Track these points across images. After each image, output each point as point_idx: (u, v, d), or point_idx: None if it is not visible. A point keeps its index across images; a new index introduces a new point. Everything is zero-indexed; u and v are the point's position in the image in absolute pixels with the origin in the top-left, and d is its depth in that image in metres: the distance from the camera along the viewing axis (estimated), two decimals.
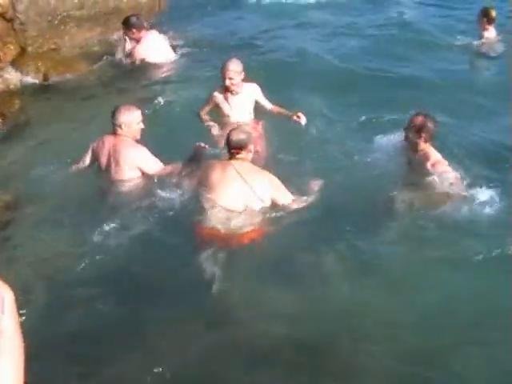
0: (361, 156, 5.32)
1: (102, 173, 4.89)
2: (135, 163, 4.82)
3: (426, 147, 4.82)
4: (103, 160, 4.87)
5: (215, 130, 5.69)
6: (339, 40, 8.87)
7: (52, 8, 7.62)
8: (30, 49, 7.56)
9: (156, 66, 7.64)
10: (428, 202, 4.68)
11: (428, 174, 4.69)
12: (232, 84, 5.61)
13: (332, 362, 3.40)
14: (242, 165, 4.47)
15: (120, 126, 4.78)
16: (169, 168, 4.85)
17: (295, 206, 4.52)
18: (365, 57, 8.20)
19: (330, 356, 3.44)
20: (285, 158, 5.33)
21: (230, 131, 4.58)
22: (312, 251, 4.25)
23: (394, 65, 7.89)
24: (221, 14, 10.17)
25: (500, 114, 6.31)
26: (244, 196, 4.38)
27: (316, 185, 4.75)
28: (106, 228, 4.36)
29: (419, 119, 4.79)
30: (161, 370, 3.30)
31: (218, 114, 5.86)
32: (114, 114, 4.80)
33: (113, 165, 4.80)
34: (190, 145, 5.01)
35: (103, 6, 8.13)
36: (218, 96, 5.78)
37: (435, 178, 4.64)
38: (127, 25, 7.47)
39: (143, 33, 7.52)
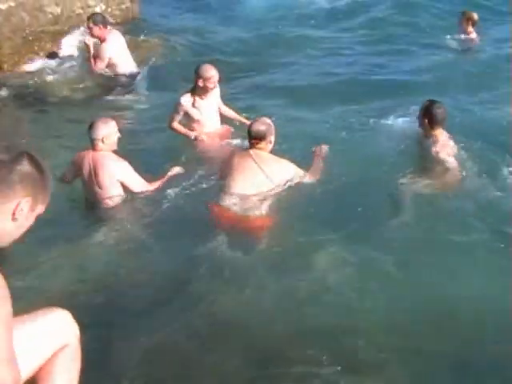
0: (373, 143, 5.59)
1: (86, 187, 4.89)
2: (117, 178, 4.77)
3: (438, 133, 4.94)
4: (85, 176, 4.83)
5: (198, 135, 5.68)
6: (326, 48, 8.97)
7: (26, 24, 7.72)
8: (5, 66, 7.65)
9: (122, 69, 7.50)
10: (431, 187, 4.86)
11: (433, 159, 4.88)
12: (212, 87, 5.62)
13: (335, 354, 3.43)
14: (260, 154, 4.62)
15: (102, 140, 4.69)
16: (150, 186, 4.89)
17: (311, 181, 4.75)
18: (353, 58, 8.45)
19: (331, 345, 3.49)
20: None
21: (252, 122, 4.72)
22: (320, 240, 4.35)
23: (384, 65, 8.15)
24: (192, 21, 10.25)
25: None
26: (259, 183, 4.56)
27: (320, 152, 4.94)
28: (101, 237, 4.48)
29: (425, 104, 4.97)
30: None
31: (187, 121, 5.79)
32: (92, 129, 4.69)
33: (95, 181, 4.76)
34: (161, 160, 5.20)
35: (77, 19, 8.24)
36: (188, 102, 5.69)
37: (438, 164, 4.85)
38: (94, 21, 7.23)
39: (107, 31, 7.35)
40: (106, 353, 3.52)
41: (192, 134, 5.70)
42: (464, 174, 4.92)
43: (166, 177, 5.01)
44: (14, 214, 2.05)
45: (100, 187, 4.76)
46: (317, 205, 4.69)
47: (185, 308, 3.83)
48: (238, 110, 6.12)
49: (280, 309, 3.81)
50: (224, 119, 6.01)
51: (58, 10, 8.05)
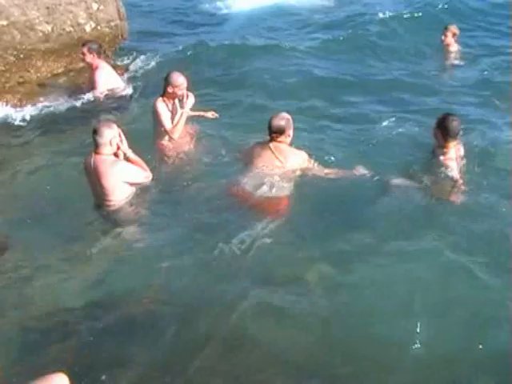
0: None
1: (93, 190, 5.04)
2: (122, 180, 4.93)
3: (450, 145, 5.07)
4: (90, 179, 4.99)
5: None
6: (316, 56, 9.22)
7: (17, 42, 7.75)
8: None
9: (116, 95, 7.64)
10: (435, 192, 5.08)
11: (440, 169, 5.08)
12: (181, 94, 5.90)
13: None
14: (278, 146, 5.03)
15: (110, 143, 4.84)
16: (144, 167, 5.12)
17: (323, 175, 5.08)
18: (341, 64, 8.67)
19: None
20: None
21: (272, 117, 5.05)
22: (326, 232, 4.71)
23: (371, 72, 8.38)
24: (180, 38, 10.38)
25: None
26: (276, 172, 4.97)
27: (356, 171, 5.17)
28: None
29: (440, 117, 5.12)
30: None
31: (157, 125, 5.98)
32: (98, 134, 4.81)
33: (100, 184, 4.90)
34: None
35: (67, 38, 8.28)
36: (164, 106, 5.92)
37: (443, 173, 5.04)
38: (90, 48, 7.43)
39: (98, 60, 7.55)
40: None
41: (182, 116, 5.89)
42: (465, 188, 5.05)
43: None
44: None
45: (106, 189, 4.88)
46: (327, 200, 5.05)
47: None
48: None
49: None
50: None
51: (49, 28, 8.09)
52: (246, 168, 5.12)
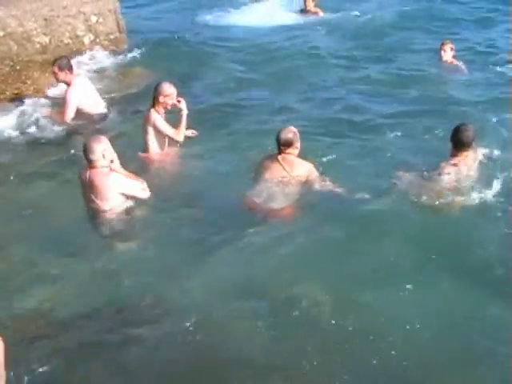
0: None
1: (88, 203, 5.00)
2: (118, 191, 4.90)
3: (463, 154, 5.13)
4: (85, 193, 4.97)
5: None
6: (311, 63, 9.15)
7: (14, 53, 7.70)
8: None
9: (92, 113, 7.09)
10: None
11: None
12: (171, 104, 5.91)
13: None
14: (286, 157, 5.19)
15: (103, 156, 4.79)
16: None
17: (327, 189, 5.20)
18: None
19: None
20: None
21: (280, 131, 5.20)
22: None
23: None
24: (179, 52, 10.24)
25: None
26: (284, 182, 5.14)
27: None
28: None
29: (454, 127, 5.18)
30: None
31: (156, 136, 5.95)
32: (88, 151, 4.77)
33: (96, 197, 4.87)
34: None
35: (66, 50, 8.23)
36: (157, 116, 5.92)
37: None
38: (60, 66, 6.78)
39: (73, 76, 6.94)
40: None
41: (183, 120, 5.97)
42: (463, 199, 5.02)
43: None
44: None
45: (102, 202, 4.86)
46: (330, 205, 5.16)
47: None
48: None
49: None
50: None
51: (47, 40, 8.05)
52: (256, 180, 5.27)
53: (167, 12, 12.62)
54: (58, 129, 6.79)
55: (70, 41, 8.40)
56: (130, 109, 7.48)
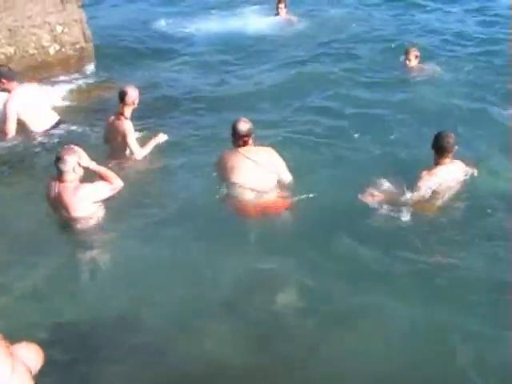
0: None
1: (60, 217, 4.94)
2: (91, 200, 4.85)
3: (445, 161, 5.23)
4: (54, 206, 4.91)
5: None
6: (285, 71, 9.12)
7: None
8: None
9: (33, 128, 6.73)
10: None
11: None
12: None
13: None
14: (248, 149, 5.15)
15: (73, 170, 4.73)
16: (112, 175, 4.98)
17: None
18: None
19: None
20: None
21: (236, 124, 5.14)
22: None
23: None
24: (147, 64, 10.25)
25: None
26: (256, 173, 5.10)
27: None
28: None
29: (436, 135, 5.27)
30: None
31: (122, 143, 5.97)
32: (61, 161, 4.69)
33: (65, 213, 4.83)
34: None
35: (31, 60, 8.17)
36: (130, 124, 5.97)
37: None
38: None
39: (14, 84, 6.56)
40: None
41: (155, 141, 6.10)
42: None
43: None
44: None
45: (72, 216, 4.80)
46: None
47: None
48: None
49: None
50: None
51: (11, 50, 7.97)
52: (229, 181, 5.16)
53: (134, 20, 12.55)
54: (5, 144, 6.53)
55: (36, 51, 8.32)
56: (90, 120, 7.44)
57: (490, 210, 5.12)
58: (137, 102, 5.99)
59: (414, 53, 8.70)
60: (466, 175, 5.32)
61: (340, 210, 5.13)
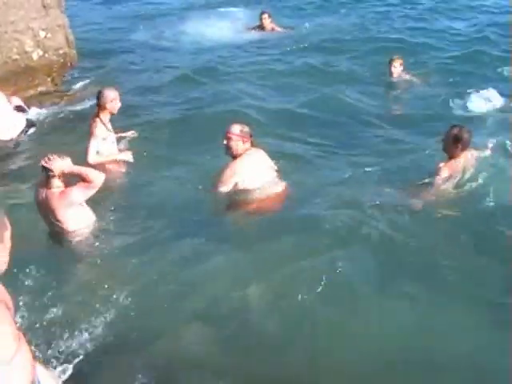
0: None
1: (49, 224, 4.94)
2: (76, 205, 4.84)
3: (462, 155, 5.29)
4: (42, 212, 4.90)
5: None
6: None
7: None
8: None
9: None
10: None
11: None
12: (118, 107, 5.98)
13: None
14: (256, 148, 5.33)
15: (59, 176, 4.72)
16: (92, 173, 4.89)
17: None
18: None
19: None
20: None
21: (244, 125, 5.23)
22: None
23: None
24: (130, 67, 10.28)
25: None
26: (270, 167, 5.42)
27: None
28: None
29: (454, 129, 5.29)
30: None
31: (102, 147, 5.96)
32: (50, 167, 4.67)
33: (53, 219, 4.83)
34: None
35: (13, 65, 8.11)
36: (103, 128, 5.95)
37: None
38: None
39: None
40: None
41: (117, 156, 6.04)
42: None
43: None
44: None
45: (61, 221, 4.78)
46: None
47: None
48: None
49: None
50: None
51: None
52: (257, 176, 5.26)
53: (118, 25, 12.60)
54: None
55: (18, 56, 8.26)
56: (71, 125, 7.45)
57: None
58: (116, 104, 5.94)
59: (398, 62, 8.78)
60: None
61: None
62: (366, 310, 4.07)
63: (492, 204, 5.07)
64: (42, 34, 8.51)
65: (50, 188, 4.74)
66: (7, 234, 2.34)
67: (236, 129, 5.19)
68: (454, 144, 5.26)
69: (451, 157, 5.32)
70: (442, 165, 5.27)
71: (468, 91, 8.00)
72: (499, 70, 9.14)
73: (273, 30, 12.01)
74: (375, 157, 6.39)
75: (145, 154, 6.30)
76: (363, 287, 4.28)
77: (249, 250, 4.69)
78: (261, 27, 12.01)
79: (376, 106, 8.09)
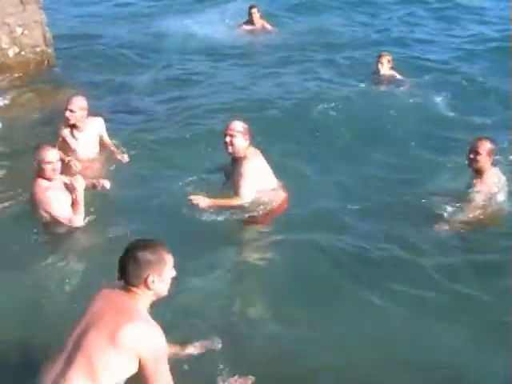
0: None
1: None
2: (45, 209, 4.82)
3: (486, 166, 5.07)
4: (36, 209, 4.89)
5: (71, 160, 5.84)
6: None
7: None
8: None
9: None
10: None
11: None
12: (71, 116, 5.78)
13: None
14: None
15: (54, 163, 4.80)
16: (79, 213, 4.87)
17: None
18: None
19: None
20: None
21: (244, 124, 4.98)
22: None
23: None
24: (108, 67, 9.97)
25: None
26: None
27: None
28: None
29: (480, 141, 5.05)
30: None
31: (64, 150, 5.87)
32: (43, 154, 4.76)
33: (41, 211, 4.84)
34: None
35: None
36: (65, 131, 5.92)
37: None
38: None
39: None
40: None
41: (65, 159, 5.80)
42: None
43: None
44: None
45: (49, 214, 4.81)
46: None
47: None
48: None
49: None
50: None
51: None
52: (270, 178, 5.10)
53: (97, 23, 12.26)
54: None
55: None
56: (48, 125, 7.10)
57: None
58: (77, 111, 5.79)
59: (386, 58, 8.61)
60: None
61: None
62: (362, 313, 4.15)
63: None
64: (19, 30, 8.24)
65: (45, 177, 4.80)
66: None
67: (238, 125, 4.91)
68: (489, 158, 5.03)
69: (484, 171, 5.06)
70: (478, 182, 5.03)
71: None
72: (493, 71, 9.13)
73: (263, 27, 11.62)
74: (349, 158, 6.45)
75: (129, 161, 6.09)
76: (361, 292, 4.36)
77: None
78: (250, 22, 11.55)
79: (360, 103, 7.98)
